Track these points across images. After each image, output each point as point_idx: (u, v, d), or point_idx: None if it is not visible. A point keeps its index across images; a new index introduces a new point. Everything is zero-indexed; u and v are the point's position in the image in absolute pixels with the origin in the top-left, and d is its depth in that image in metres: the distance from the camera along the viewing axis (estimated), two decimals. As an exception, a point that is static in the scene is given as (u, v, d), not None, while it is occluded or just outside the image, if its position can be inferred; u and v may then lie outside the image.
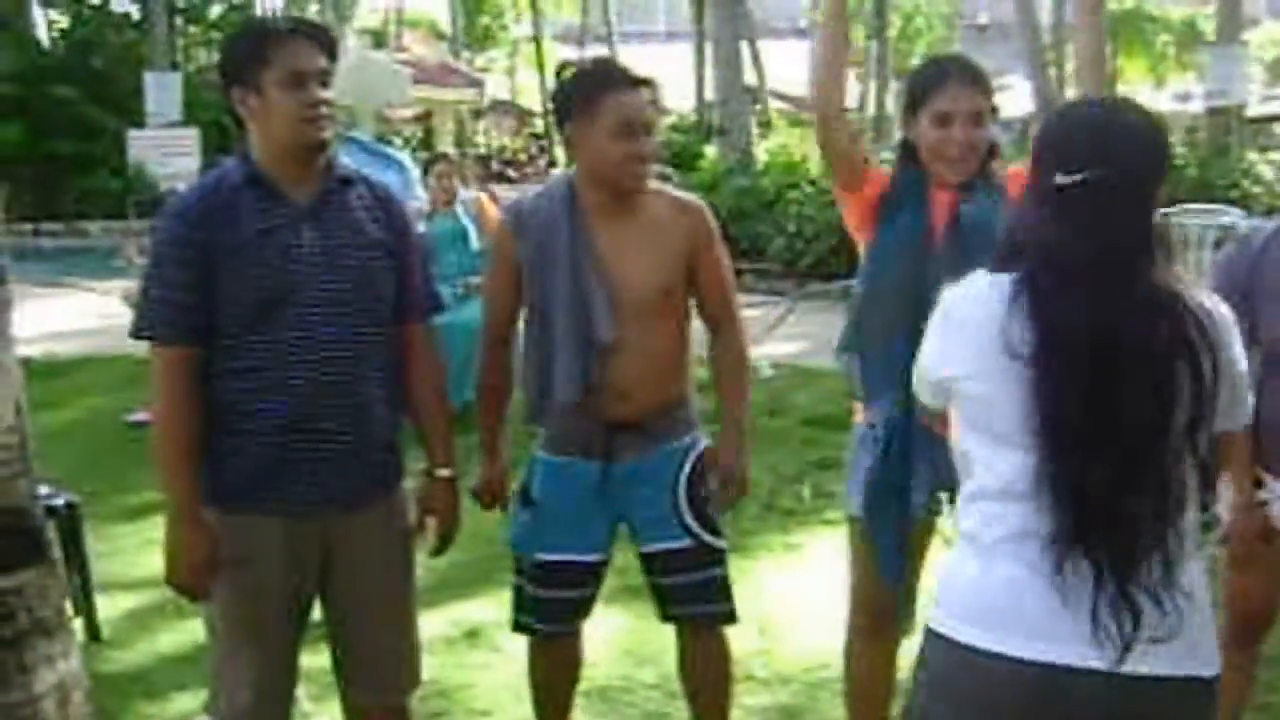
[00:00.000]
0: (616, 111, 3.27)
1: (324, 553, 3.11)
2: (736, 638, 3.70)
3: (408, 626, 3.28)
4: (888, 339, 3.27)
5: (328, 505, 3.06)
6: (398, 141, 25.25)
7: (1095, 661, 2.10)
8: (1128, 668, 2.10)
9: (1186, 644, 2.14)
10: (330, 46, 3.04)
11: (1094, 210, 2.15)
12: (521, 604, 3.59)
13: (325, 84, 2.99)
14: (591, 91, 3.31)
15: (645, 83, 3.34)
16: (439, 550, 3.35)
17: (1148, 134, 2.23)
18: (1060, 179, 2.17)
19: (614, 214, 3.38)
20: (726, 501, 3.57)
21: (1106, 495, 2.10)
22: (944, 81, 3.31)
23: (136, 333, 3.02)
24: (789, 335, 8.88)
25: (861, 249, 3.47)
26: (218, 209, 2.95)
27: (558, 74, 3.52)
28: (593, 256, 3.35)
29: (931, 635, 2.26)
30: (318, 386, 2.98)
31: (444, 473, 3.26)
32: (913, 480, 3.33)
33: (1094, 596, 2.10)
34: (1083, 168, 2.16)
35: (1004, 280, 2.19)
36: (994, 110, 3.38)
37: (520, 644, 3.75)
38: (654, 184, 3.51)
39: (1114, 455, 2.10)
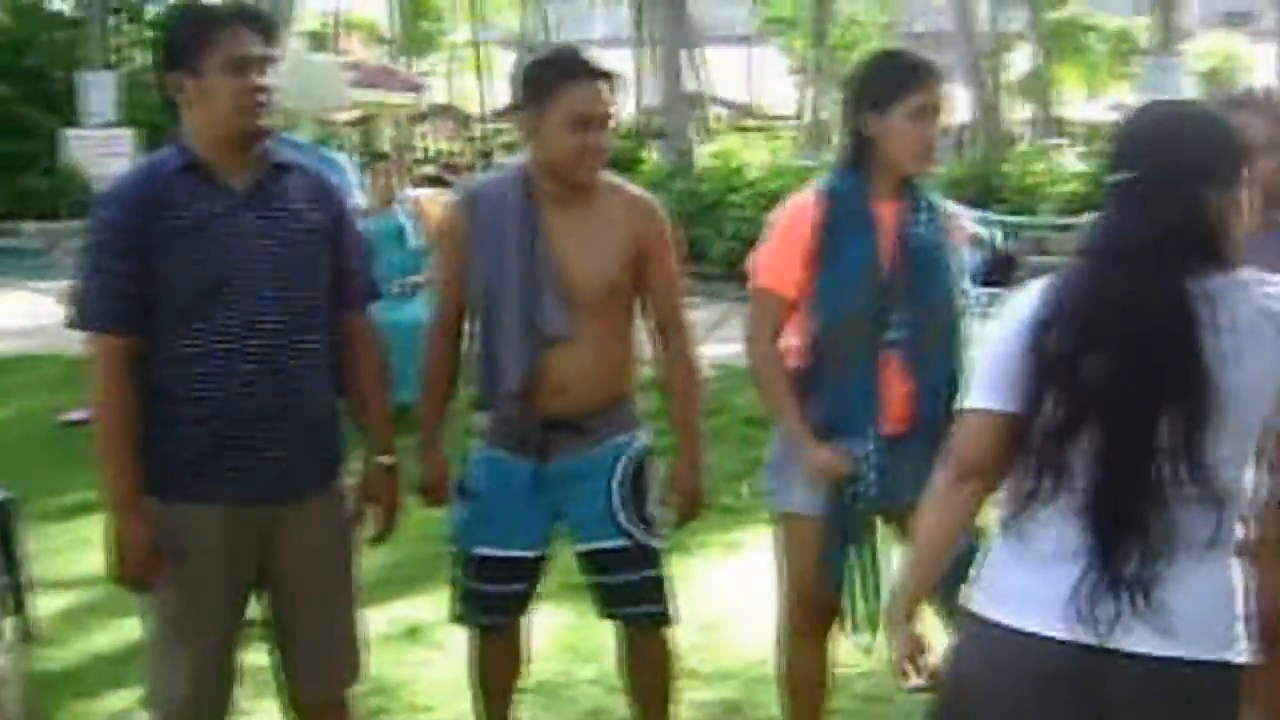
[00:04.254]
0: (571, 102, 3.24)
1: (264, 544, 3.07)
2: (678, 634, 3.70)
3: (350, 618, 3.25)
4: (852, 374, 3.28)
5: (268, 495, 3.03)
6: (337, 144, 25.10)
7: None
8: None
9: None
10: (271, 33, 3.02)
11: (1138, 206, 2.21)
12: (461, 597, 3.57)
13: (265, 71, 2.97)
14: (550, 80, 3.29)
15: (606, 76, 3.31)
16: (379, 539, 3.32)
17: (1196, 133, 2.26)
18: (1109, 178, 2.26)
19: (566, 204, 3.36)
20: (687, 518, 3.60)
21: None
22: (918, 76, 3.33)
23: (74, 323, 2.99)
24: (728, 337, 8.87)
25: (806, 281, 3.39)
26: (154, 196, 2.92)
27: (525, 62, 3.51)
28: (543, 245, 3.33)
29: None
30: (256, 374, 2.95)
31: (384, 460, 3.25)
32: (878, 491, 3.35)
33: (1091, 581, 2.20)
34: (1131, 167, 2.23)
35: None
36: None
37: (461, 641, 3.73)
38: (611, 177, 3.49)
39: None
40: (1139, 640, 2.18)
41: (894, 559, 3.34)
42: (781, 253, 3.41)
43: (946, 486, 2.34)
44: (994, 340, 2.31)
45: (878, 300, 3.27)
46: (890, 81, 3.34)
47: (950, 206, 3.66)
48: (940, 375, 3.32)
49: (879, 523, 3.44)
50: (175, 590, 3.01)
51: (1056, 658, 2.22)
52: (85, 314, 2.96)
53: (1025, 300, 2.28)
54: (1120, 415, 2.17)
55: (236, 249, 2.94)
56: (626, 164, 18.84)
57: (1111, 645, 2.18)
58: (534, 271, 3.32)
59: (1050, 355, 2.19)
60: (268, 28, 3.03)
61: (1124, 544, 2.17)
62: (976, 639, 2.34)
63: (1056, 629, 2.21)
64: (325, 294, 3.08)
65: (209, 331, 2.93)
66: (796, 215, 3.41)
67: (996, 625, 2.28)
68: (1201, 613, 2.21)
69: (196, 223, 2.92)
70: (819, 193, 3.41)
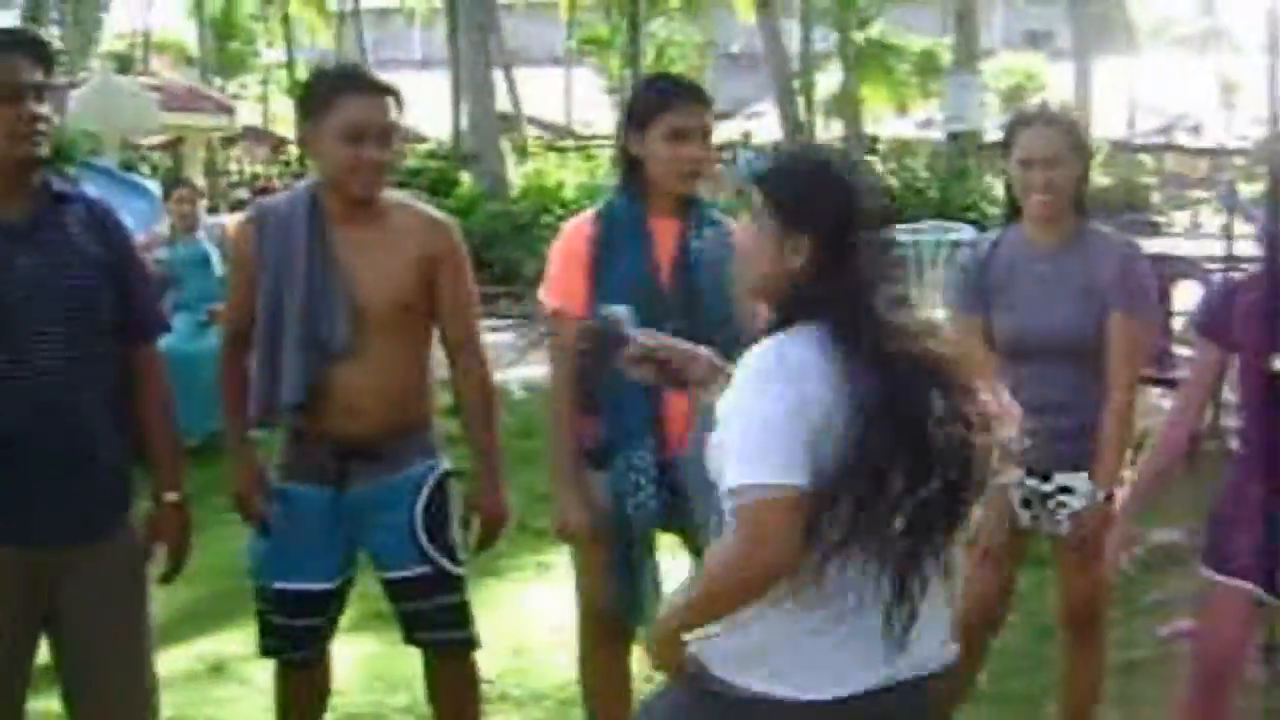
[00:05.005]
0: (345, 113, 3.22)
1: (48, 587, 2.96)
2: (490, 658, 3.69)
3: (142, 664, 3.13)
4: (628, 390, 3.19)
5: (47, 539, 2.92)
6: (145, 169, 24.50)
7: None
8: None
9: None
10: (47, 59, 2.92)
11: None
12: (265, 630, 3.52)
13: (42, 99, 2.88)
14: (325, 92, 3.27)
15: (385, 90, 3.29)
16: (167, 579, 3.20)
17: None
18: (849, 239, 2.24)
19: (355, 221, 3.33)
20: (489, 539, 3.58)
21: None
22: (674, 99, 3.39)
23: None
24: (541, 359, 8.91)
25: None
26: None
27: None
28: (330, 261, 3.30)
29: None
30: (33, 412, 2.85)
31: (171, 497, 3.14)
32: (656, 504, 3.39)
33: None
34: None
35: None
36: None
37: (267, 675, 3.67)
38: (403, 197, 3.48)
39: None
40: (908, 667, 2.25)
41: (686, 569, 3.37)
42: (564, 272, 3.46)
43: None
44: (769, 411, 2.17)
45: (650, 313, 3.29)
46: (649, 103, 3.42)
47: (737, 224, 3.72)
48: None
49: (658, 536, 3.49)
50: None
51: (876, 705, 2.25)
52: None
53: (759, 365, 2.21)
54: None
55: (9, 284, 2.83)
56: (442, 186, 18.78)
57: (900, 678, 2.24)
58: (320, 287, 3.29)
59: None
60: (43, 53, 2.92)
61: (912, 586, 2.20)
62: None
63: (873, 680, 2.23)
64: (107, 329, 2.98)
65: None
66: (573, 235, 3.48)
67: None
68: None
69: None
70: (595, 213, 3.51)
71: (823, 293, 2.22)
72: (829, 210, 2.24)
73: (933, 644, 2.29)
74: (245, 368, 3.48)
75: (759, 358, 2.20)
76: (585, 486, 3.43)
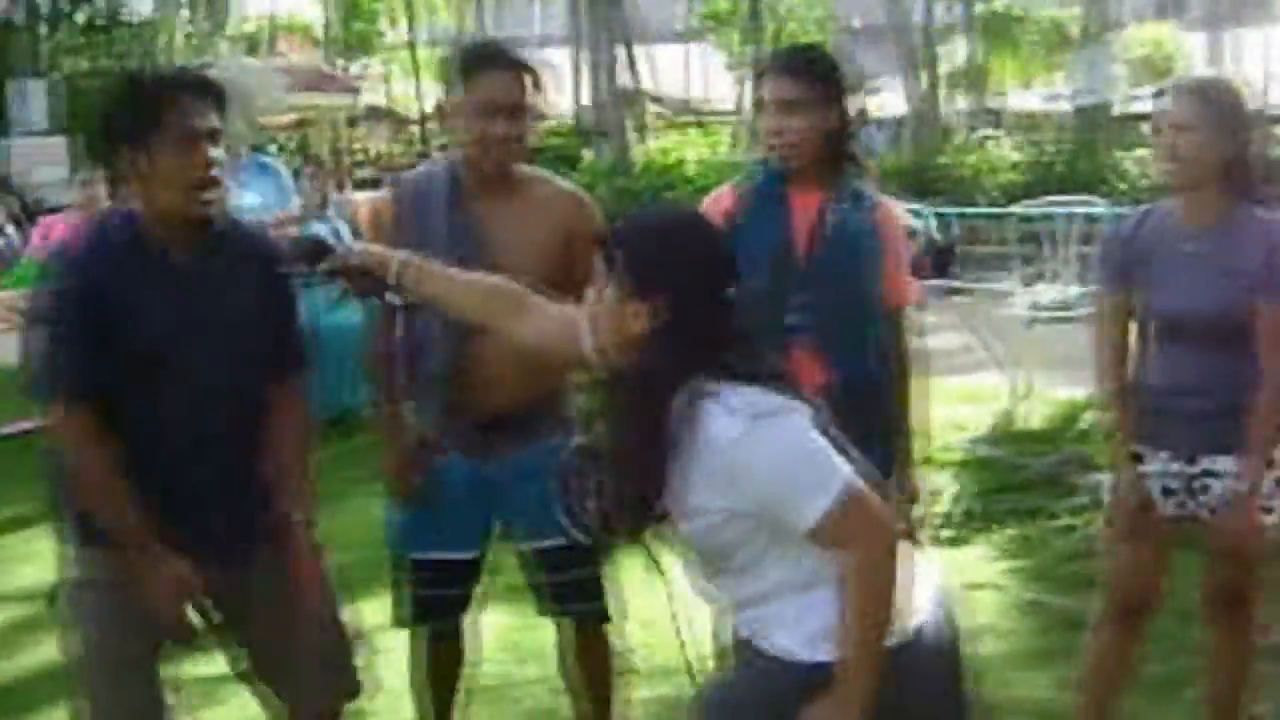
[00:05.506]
0: (479, 89, 3.27)
1: (219, 607, 3.09)
2: (620, 632, 3.69)
3: (339, 632, 3.25)
4: None
5: (210, 563, 2.98)
6: (272, 149, 24.94)
7: None
8: None
9: None
10: (221, 100, 2.95)
11: None
12: (402, 600, 3.56)
13: (216, 142, 2.90)
14: (464, 68, 3.31)
15: (522, 67, 3.32)
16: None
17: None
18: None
19: (493, 194, 3.36)
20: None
21: None
22: (766, 70, 3.41)
23: (41, 395, 2.93)
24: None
25: None
26: (107, 265, 2.88)
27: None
28: (470, 233, 3.33)
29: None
30: (192, 447, 2.93)
31: (302, 517, 3.14)
32: None
33: None
34: None
35: None
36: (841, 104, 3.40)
37: (403, 645, 3.71)
38: (540, 171, 3.49)
39: None
40: None
41: None
42: None
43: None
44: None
45: (782, 283, 3.27)
46: (756, 76, 3.43)
47: (883, 198, 3.67)
48: (856, 368, 3.33)
49: None
50: (120, 629, 2.97)
51: None
52: (54, 384, 2.89)
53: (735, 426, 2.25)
54: None
55: (173, 325, 2.89)
56: (565, 162, 18.86)
57: None
58: (461, 260, 3.30)
59: None
60: (218, 96, 2.95)
61: None
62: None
63: None
64: (259, 363, 3.04)
65: (151, 404, 2.90)
66: (711, 207, 3.45)
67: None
68: None
69: (141, 297, 2.88)
70: (733, 185, 3.51)
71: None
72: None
73: None
74: (394, 343, 3.52)
75: (740, 413, 2.23)
76: None
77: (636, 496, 2.33)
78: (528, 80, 3.32)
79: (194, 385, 2.91)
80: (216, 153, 2.89)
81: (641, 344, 2.30)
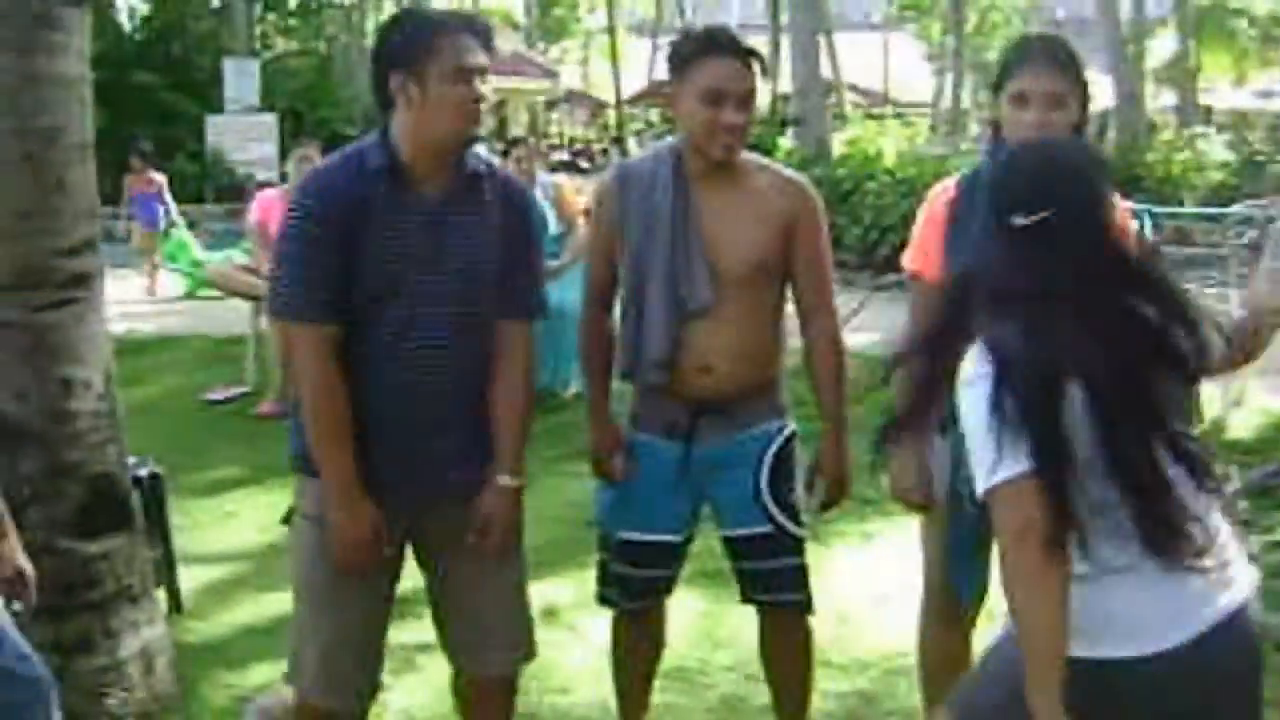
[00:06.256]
0: (705, 76, 3.24)
1: (419, 526, 3.14)
2: (815, 624, 3.67)
3: (519, 593, 3.28)
4: None
5: (424, 493, 3.08)
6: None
7: None
8: None
9: None
10: (489, 43, 3.02)
11: (1056, 241, 2.30)
12: (606, 579, 3.59)
13: (485, 79, 2.98)
14: (689, 54, 3.29)
15: (748, 53, 3.29)
16: (497, 556, 3.20)
17: (1088, 164, 2.41)
18: (1018, 221, 2.31)
19: (716, 181, 3.35)
20: (832, 503, 3.59)
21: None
22: (1025, 61, 3.26)
23: (279, 313, 3.03)
24: (863, 326, 8.81)
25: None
26: (358, 192, 2.94)
27: None
28: (693, 221, 3.33)
29: None
30: (419, 377, 3.00)
31: (509, 482, 3.16)
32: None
33: None
34: (1042, 207, 2.30)
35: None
36: (1085, 98, 3.30)
37: (596, 625, 3.75)
38: (763, 159, 3.47)
39: None
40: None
41: None
42: (922, 235, 3.39)
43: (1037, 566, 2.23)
44: (980, 413, 2.26)
45: None
46: (1004, 65, 3.29)
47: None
48: None
49: None
50: (327, 567, 3.05)
51: None
52: (292, 304, 2.97)
53: (979, 369, 2.27)
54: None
55: (416, 257, 2.96)
56: (762, 149, 18.83)
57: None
58: (682, 245, 3.32)
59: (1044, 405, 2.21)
60: (487, 37, 3.03)
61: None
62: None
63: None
64: (494, 301, 3.09)
65: (380, 333, 2.97)
66: (936, 199, 3.40)
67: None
68: None
69: (388, 225, 2.94)
70: (960, 177, 3.41)
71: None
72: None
73: None
74: (608, 326, 3.55)
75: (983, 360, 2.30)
76: (923, 453, 3.35)
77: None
78: (755, 68, 3.30)
79: (427, 319, 2.98)
80: (485, 88, 2.96)
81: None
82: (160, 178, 15.46)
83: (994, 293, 2.31)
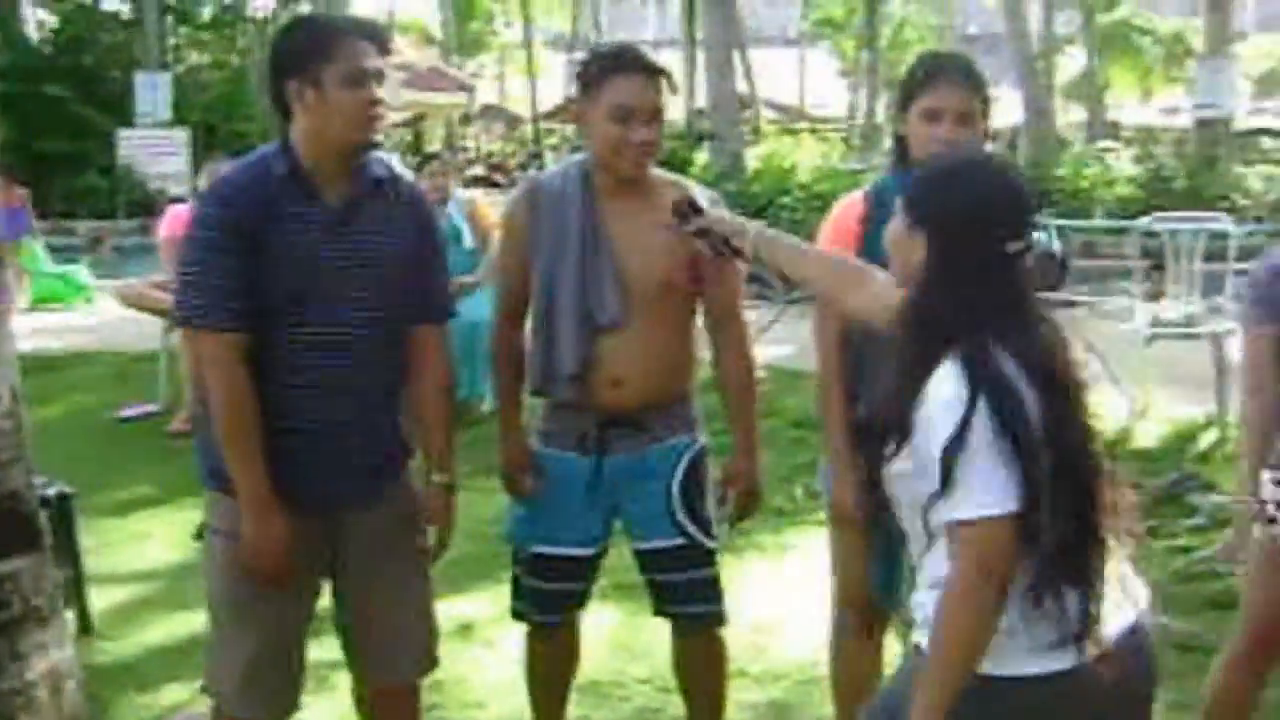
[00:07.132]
0: (615, 93, 3.26)
1: (333, 544, 3.14)
2: (729, 635, 3.70)
3: (424, 605, 3.29)
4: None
5: (336, 503, 3.09)
6: (387, 145, 25.33)
7: None
8: None
9: None
10: (385, 47, 3.06)
11: (1020, 265, 2.31)
12: (519, 594, 3.60)
13: (380, 84, 2.99)
14: (598, 71, 3.31)
15: (655, 71, 3.32)
16: (435, 556, 3.32)
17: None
18: (1010, 248, 2.29)
19: (625, 198, 3.37)
20: (744, 515, 3.61)
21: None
22: (936, 77, 3.32)
23: (187, 321, 3.01)
24: (777, 339, 8.88)
25: None
26: (262, 198, 2.94)
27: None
28: (602, 237, 3.35)
29: None
30: (328, 387, 3.01)
31: (441, 479, 3.24)
32: None
33: None
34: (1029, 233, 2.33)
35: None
36: (987, 113, 3.37)
37: (513, 639, 3.75)
38: (670, 175, 3.50)
39: None
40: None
41: None
42: (832, 249, 3.41)
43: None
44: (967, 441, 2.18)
45: None
46: (909, 82, 3.35)
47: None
48: None
49: None
50: (242, 581, 3.04)
51: None
52: (199, 312, 2.95)
53: (959, 390, 2.21)
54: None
55: (321, 263, 2.96)
56: (677, 165, 18.91)
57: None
58: (592, 261, 3.34)
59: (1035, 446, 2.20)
60: (382, 41, 3.06)
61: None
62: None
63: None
64: (402, 309, 3.11)
65: (287, 340, 2.96)
66: (844, 213, 3.44)
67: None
68: None
69: (293, 232, 2.94)
70: (865, 192, 3.46)
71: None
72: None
73: None
74: (519, 342, 3.56)
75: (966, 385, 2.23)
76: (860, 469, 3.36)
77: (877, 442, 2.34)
78: (664, 85, 3.33)
79: (336, 324, 2.98)
80: (380, 92, 2.97)
81: (920, 281, 2.33)
82: (23, 191, 15.13)
83: (976, 320, 2.25)
